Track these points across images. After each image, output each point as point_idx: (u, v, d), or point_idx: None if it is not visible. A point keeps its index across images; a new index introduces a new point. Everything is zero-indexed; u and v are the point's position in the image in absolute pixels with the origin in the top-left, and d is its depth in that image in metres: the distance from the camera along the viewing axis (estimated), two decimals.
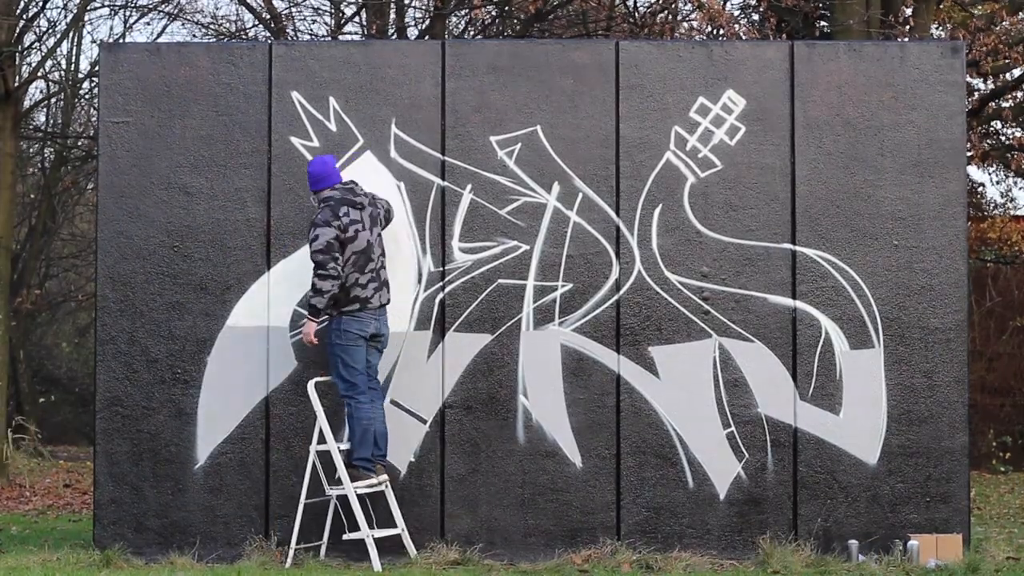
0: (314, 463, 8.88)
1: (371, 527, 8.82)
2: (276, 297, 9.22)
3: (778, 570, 8.64)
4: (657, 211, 9.24)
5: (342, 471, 8.75)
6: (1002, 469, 18.02)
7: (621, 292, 9.21)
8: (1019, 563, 8.97)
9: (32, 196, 23.35)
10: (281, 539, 9.03)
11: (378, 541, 8.88)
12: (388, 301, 8.94)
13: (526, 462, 9.13)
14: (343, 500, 8.90)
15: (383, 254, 8.96)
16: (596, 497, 9.14)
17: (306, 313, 8.84)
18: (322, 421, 8.81)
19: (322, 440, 8.85)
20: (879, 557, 8.94)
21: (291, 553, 8.79)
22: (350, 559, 8.91)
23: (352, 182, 8.94)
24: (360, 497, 8.80)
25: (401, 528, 8.92)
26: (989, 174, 20.43)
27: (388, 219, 9.08)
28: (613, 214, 9.24)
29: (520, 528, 9.11)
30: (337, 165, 9.01)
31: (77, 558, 8.92)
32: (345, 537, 8.85)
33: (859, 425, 9.15)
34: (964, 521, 9.14)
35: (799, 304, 9.21)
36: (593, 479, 9.14)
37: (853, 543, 9.00)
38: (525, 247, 9.23)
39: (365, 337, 8.83)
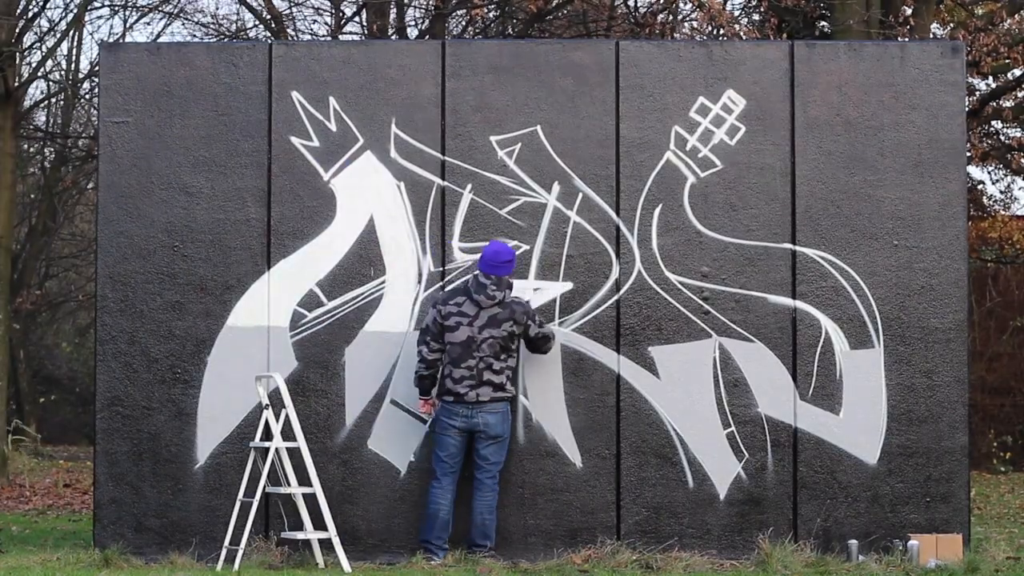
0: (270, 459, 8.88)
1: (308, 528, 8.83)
2: (276, 297, 9.22)
3: (778, 570, 8.64)
4: (657, 211, 9.24)
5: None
6: (1002, 469, 18.03)
7: (621, 292, 9.21)
8: (1019, 563, 8.97)
9: (32, 196, 23.36)
10: (281, 539, 9.02)
11: (376, 543, 8.89)
12: (489, 400, 8.82)
13: (526, 462, 9.13)
14: (283, 498, 8.98)
15: (494, 356, 8.81)
16: (596, 497, 9.14)
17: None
18: (270, 417, 8.81)
19: (288, 438, 8.86)
20: (879, 557, 8.94)
21: (238, 555, 8.78)
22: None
23: (494, 279, 8.82)
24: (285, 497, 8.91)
25: (333, 534, 8.85)
26: (988, 173, 20.44)
27: (518, 322, 8.84)
28: (613, 214, 9.24)
29: (520, 528, 9.11)
30: (499, 256, 8.88)
31: (77, 558, 8.92)
32: (284, 535, 8.92)
33: (859, 425, 9.15)
34: (964, 521, 9.14)
35: (799, 304, 9.20)
36: (593, 479, 9.14)
37: (853, 543, 9.00)
38: (525, 247, 9.22)
39: (455, 427, 8.83)
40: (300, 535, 8.84)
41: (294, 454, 8.88)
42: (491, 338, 8.80)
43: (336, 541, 8.77)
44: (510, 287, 8.91)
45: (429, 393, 8.94)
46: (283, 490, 8.87)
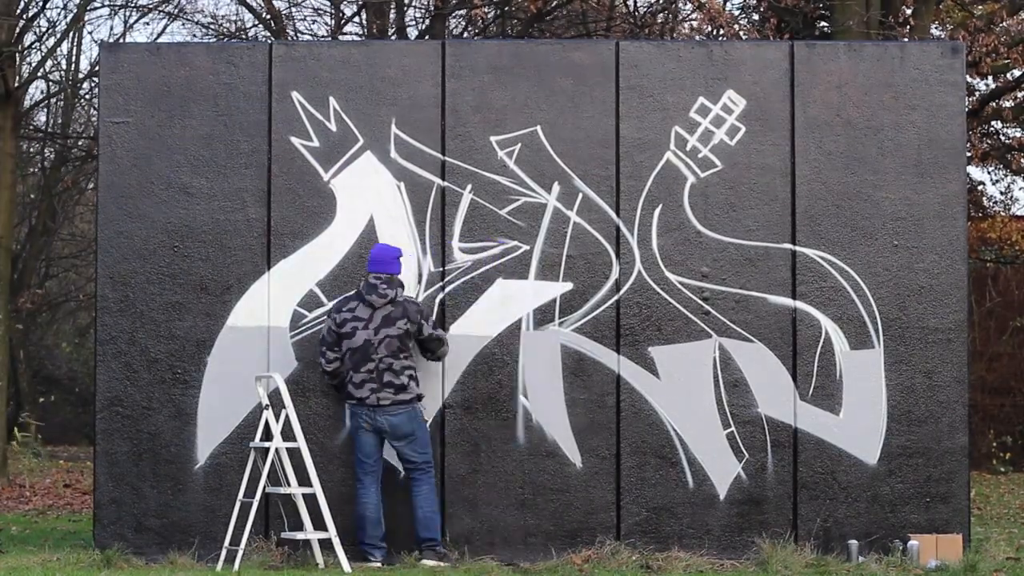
0: (264, 460, 8.88)
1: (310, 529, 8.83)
2: (276, 297, 9.22)
3: (778, 570, 8.63)
4: (657, 211, 9.24)
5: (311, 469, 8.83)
6: (1002, 469, 18.02)
7: (621, 292, 9.21)
8: (1019, 563, 8.97)
9: (32, 196, 23.36)
10: (281, 539, 9.03)
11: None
12: (390, 403, 8.83)
13: (526, 462, 9.13)
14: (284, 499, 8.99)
15: (392, 355, 8.81)
16: (596, 497, 9.13)
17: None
18: (270, 417, 8.82)
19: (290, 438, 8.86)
20: (879, 557, 8.94)
21: (238, 555, 8.78)
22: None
23: (385, 278, 8.85)
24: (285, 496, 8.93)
25: (333, 534, 8.86)
26: (989, 173, 20.44)
27: (412, 320, 8.84)
28: (613, 214, 9.24)
29: (520, 528, 9.11)
30: (382, 255, 8.93)
31: (77, 558, 8.92)
32: (284, 535, 8.92)
33: (859, 425, 9.15)
34: (964, 521, 9.14)
35: (799, 304, 9.20)
36: (593, 479, 9.14)
37: (853, 543, 9.00)
38: (525, 247, 9.22)
39: (365, 427, 8.87)
40: (300, 535, 8.84)
41: (294, 454, 8.89)
42: (387, 338, 8.82)
43: (336, 541, 8.77)
44: (401, 286, 8.95)
45: (342, 393, 9.02)
46: (283, 490, 8.87)
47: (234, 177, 9.29)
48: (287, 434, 8.84)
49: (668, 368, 9.17)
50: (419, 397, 8.92)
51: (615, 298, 9.20)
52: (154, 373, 9.22)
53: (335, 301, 9.03)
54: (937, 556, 8.84)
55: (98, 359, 9.28)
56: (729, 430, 9.15)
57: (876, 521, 9.12)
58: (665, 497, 9.12)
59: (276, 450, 8.80)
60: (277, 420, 8.81)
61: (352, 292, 9.00)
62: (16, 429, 15.84)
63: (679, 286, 9.21)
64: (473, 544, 9.04)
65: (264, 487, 8.80)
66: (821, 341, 9.19)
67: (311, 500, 8.85)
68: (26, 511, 13.17)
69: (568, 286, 9.22)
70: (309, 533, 8.83)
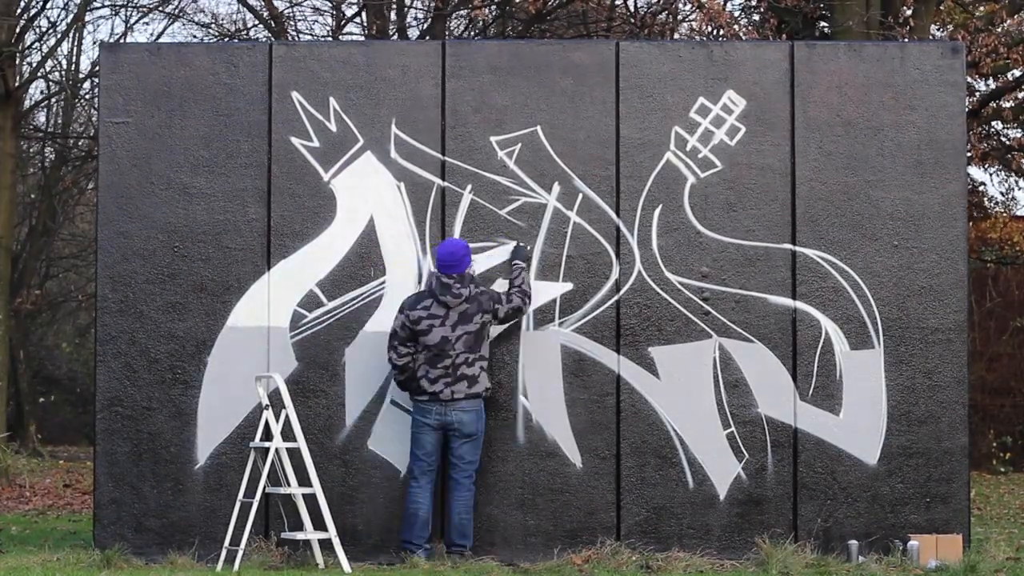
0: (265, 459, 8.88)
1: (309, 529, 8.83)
2: (276, 297, 9.22)
3: (778, 571, 8.63)
4: (657, 211, 9.24)
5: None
6: (1002, 469, 18.03)
7: (621, 292, 9.21)
8: (1019, 563, 8.97)
9: (32, 196, 23.37)
10: (281, 539, 9.03)
11: (376, 543, 8.89)
12: (464, 396, 8.83)
13: (526, 462, 9.13)
14: (284, 499, 8.99)
15: (469, 350, 8.83)
16: (596, 497, 9.13)
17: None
18: (270, 417, 8.81)
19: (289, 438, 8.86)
20: (879, 557, 8.94)
21: (238, 555, 8.78)
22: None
23: (456, 277, 8.83)
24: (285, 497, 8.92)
25: (333, 534, 8.86)
26: (989, 174, 20.45)
27: (487, 311, 8.86)
28: (613, 214, 9.24)
29: (520, 528, 9.11)
30: (456, 253, 8.89)
31: (77, 558, 8.92)
32: (284, 535, 8.92)
33: (859, 425, 9.15)
34: (964, 521, 9.14)
35: (799, 304, 9.20)
36: (593, 479, 9.14)
37: (853, 543, 9.00)
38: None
39: (429, 425, 8.85)
40: (300, 535, 8.84)
41: (294, 454, 8.89)
42: (465, 334, 8.82)
43: (336, 541, 8.77)
44: (473, 280, 8.93)
45: (412, 394, 8.97)
46: (283, 490, 8.87)
47: (234, 177, 9.29)
48: (287, 434, 8.84)
49: (668, 368, 9.17)
50: (488, 390, 8.92)
51: (615, 298, 9.20)
52: (154, 373, 9.22)
53: (406, 298, 8.96)
54: (937, 556, 8.84)
55: (98, 359, 9.28)
56: (729, 430, 9.15)
57: (876, 521, 9.12)
58: (665, 497, 9.12)
59: (276, 450, 8.80)
60: (277, 420, 8.81)
61: (423, 290, 8.97)
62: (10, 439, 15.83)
63: (679, 286, 9.21)
64: (473, 544, 9.03)
65: (264, 487, 8.80)
66: (821, 341, 9.18)
67: (311, 500, 8.85)
68: (26, 511, 13.17)
69: (568, 286, 9.22)
70: (309, 533, 8.83)
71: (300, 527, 8.90)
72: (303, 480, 8.86)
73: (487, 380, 8.91)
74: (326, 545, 8.83)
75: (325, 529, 8.80)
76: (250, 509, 8.75)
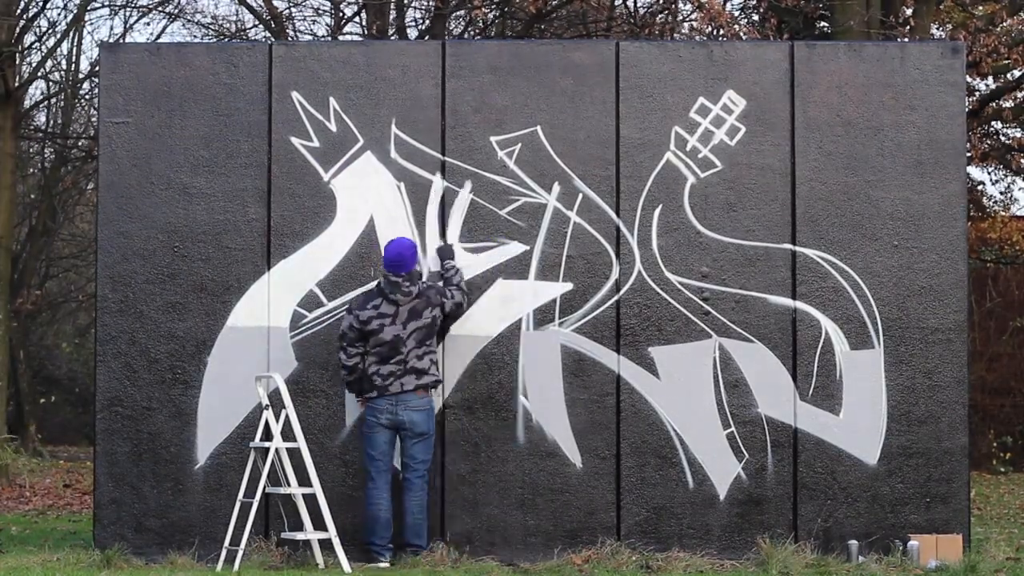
0: (258, 460, 8.88)
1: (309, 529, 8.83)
2: (276, 297, 9.22)
3: (778, 571, 8.63)
4: (657, 211, 9.24)
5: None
6: (1002, 469, 18.03)
7: (621, 292, 9.21)
8: (1019, 563, 8.97)
9: (32, 196, 23.36)
10: (281, 539, 9.03)
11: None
12: (413, 388, 8.85)
13: (526, 462, 9.13)
14: (284, 499, 9.00)
15: (419, 344, 8.86)
16: (596, 497, 9.13)
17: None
18: (270, 417, 8.81)
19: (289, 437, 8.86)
20: (879, 557, 8.94)
21: (238, 555, 8.79)
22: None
23: (405, 276, 8.84)
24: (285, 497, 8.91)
25: (333, 534, 8.87)
26: (988, 174, 20.45)
27: (435, 304, 8.91)
28: (613, 214, 9.24)
29: (520, 528, 9.11)
30: (403, 251, 8.89)
31: (77, 558, 8.92)
32: (284, 535, 8.92)
33: (859, 425, 9.15)
34: (964, 521, 9.14)
35: (799, 304, 9.20)
36: (593, 479, 9.14)
37: (853, 543, 9.00)
38: (525, 247, 9.23)
39: (381, 424, 8.86)
40: (300, 535, 8.84)
41: (294, 454, 8.89)
42: (416, 330, 8.86)
43: (336, 541, 8.77)
44: (420, 277, 8.98)
45: (362, 393, 8.98)
46: (283, 490, 8.87)
47: (234, 177, 9.29)
48: (287, 434, 8.84)
49: (668, 368, 9.17)
50: (438, 382, 8.95)
51: (615, 298, 9.20)
52: (154, 373, 9.22)
53: (354, 296, 9.00)
54: (937, 556, 8.84)
55: (98, 359, 9.28)
56: (729, 430, 9.15)
57: (876, 521, 9.12)
58: (665, 497, 9.12)
59: (276, 450, 8.80)
60: (277, 420, 8.81)
61: (371, 288, 8.98)
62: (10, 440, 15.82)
63: (679, 286, 9.21)
64: (473, 544, 9.04)
65: (264, 487, 8.80)
66: (821, 341, 9.18)
67: (311, 500, 8.85)
68: (26, 511, 13.18)
69: (568, 286, 9.22)
70: (309, 533, 8.83)
71: (300, 527, 8.90)
72: (303, 480, 8.86)
73: (436, 372, 8.94)
74: (326, 545, 8.83)
75: (325, 529, 8.80)
76: (250, 509, 8.75)
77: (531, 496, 9.13)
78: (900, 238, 9.23)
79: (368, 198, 9.26)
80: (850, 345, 9.19)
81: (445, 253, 9.13)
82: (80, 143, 21.95)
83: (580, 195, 9.24)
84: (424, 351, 8.88)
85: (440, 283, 9.03)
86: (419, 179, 9.26)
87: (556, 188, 9.25)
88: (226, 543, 8.76)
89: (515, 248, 9.22)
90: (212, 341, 9.22)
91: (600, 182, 9.24)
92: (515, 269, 9.20)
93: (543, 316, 9.18)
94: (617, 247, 9.23)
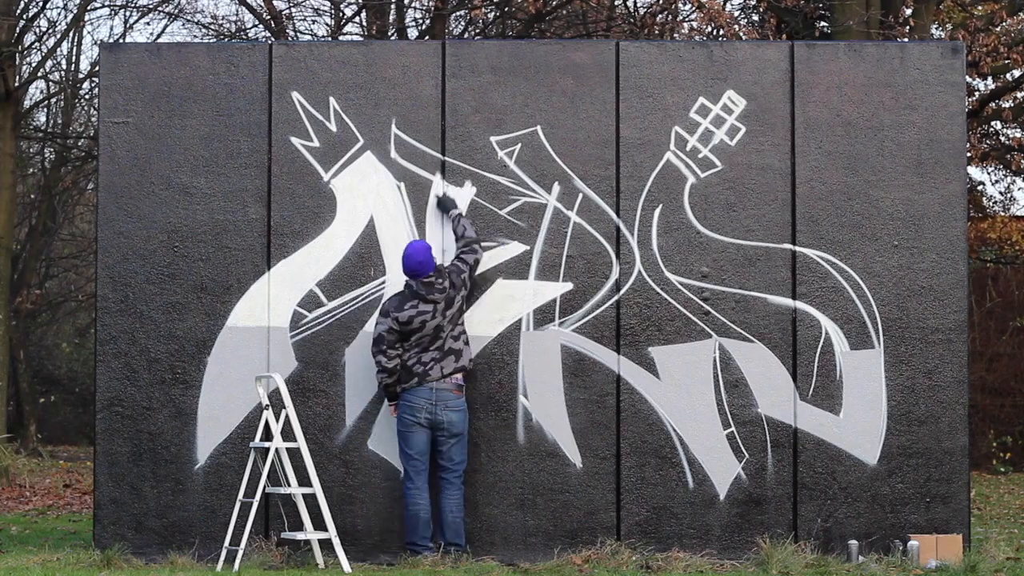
0: (262, 460, 8.89)
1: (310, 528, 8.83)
2: (276, 297, 9.22)
3: (778, 570, 8.63)
4: (657, 211, 9.24)
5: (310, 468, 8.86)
6: (1002, 469, 18.03)
7: (621, 292, 9.21)
8: (1019, 563, 8.97)
9: (32, 196, 23.36)
10: (281, 539, 9.03)
11: (376, 543, 8.90)
12: (452, 370, 8.89)
13: (526, 462, 9.13)
14: (284, 498, 9.00)
15: (452, 323, 8.91)
16: (596, 497, 9.13)
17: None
18: (270, 417, 8.82)
19: (289, 438, 8.86)
20: (879, 557, 8.94)
21: (238, 555, 8.81)
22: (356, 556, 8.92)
23: (432, 275, 8.88)
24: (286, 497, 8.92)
25: (333, 534, 8.87)
26: (988, 174, 20.45)
27: (458, 285, 8.94)
28: (613, 214, 9.24)
29: (520, 528, 9.11)
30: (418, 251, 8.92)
31: (77, 558, 8.92)
32: (284, 535, 8.93)
33: (859, 425, 9.15)
34: (964, 521, 9.14)
35: (799, 304, 9.20)
36: (593, 479, 9.14)
37: (853, 543, 9.00)
38: (525, 247, 9.23)
39: (419, 422, 8.86)
40: (300, 535, 8.84)
41: (294, 454, 8.89)
42: (452, 313, 8.91)
43: (336, 541, 8.77)
44: (443, 268, 8.99)
45: (396, 397, 8.99)
46: (283, 490, 8.87)
47: (234, 177, 9.29)
48: (287, 434, 8.84)
49: (668, 368, 9.17)
50: (472, 361, 9.00)
51: (615, 298, 9.20)
52: (154, 373, 9.22)
53: (387, 301, 8.98)
54: (937, 556, 8.84)
55: (98, 359, 9.28)
56: (729, 430, 9.15)
57: (876, 521, 9.12)
58: (665, 497, 9.12)
59: (276, 450, 8.80)
60: (277, 420, 8.81)
61: (403, 292, 8.95)
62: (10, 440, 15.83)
63: (679, 286, 9.21)
64: (473, 544, 9.04)
65: (264, 487, 8.80)
66: (821, 341, 9.19)
67: (311, 500, 8.85)
68: (26, 511, 13.17)
69: (568, 286, 9.22)
70: (309, 533, 8.83)
71: (300, 527, 8.90)
72: (303, 480, 8.86)
73: (470, 351, 8.99)
74: (326, 545, 8.83)
75: (325, 529, 8.80)
76: (250, 509, 8.75)
77: (531, 496, 9.13)
78: (900, 238, 9.23)
79: (368, 198, 9.26)
80: (850, 345, 9.19)
81: (447, 204, 9.15)
82: (80, 143, 21.96)
83: (580, 195, 9.24)
84: (458, 331, 8.95)
85: (452, 263, 9.01)
86: (419, 179, 9.26)
87: (556, 188, 9.25)
88: (226, 543, 8.76)
89: (515, 248, 9.22)
90: (212, 341, 9.22)
91: (600, 182, 9.24)
92: (515, 269, 9.20)
93: (543, 316, 9.18)
94: (617, 247, 9.23)
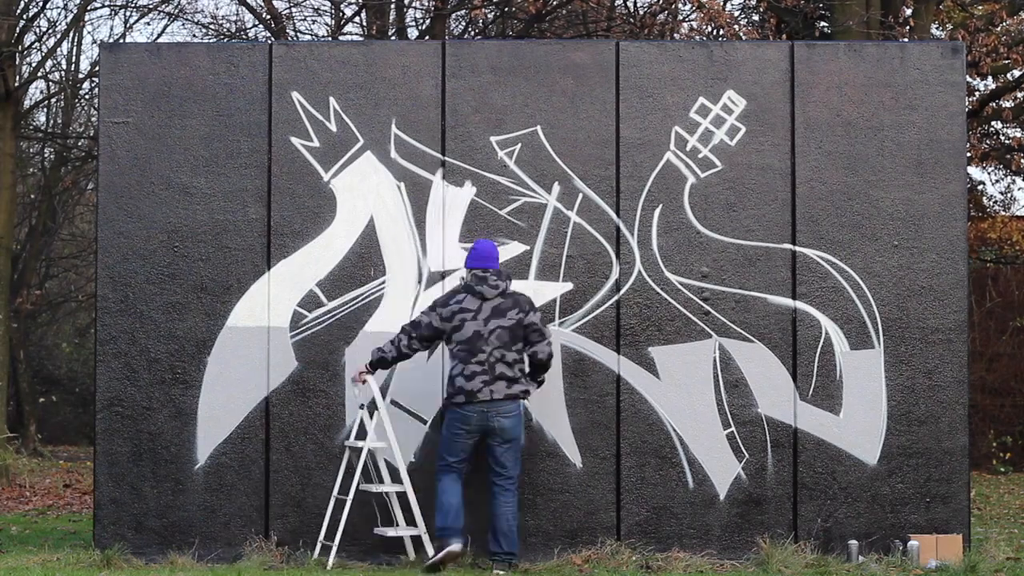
0: (350, 459, 8.96)
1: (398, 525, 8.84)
2: (276, 297, 9.22)
3: (778, 570, 8.64)
4: (657, 211, 9.24)
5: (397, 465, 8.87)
6: (1002, 469, 18.03)
7: (621, 292, 9.21)
8: (1019, 563, 8.97)
9: (32, 196, 23.36)
10: (281, 539, 9.03)
11: (376, 542, 8.91)
12: (503, 397, 8.61)
13: (526, 462, 9.12)
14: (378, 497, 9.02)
15: (503, 347, 8.63)
16: (596, 497, 9.14)
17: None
18: (384, 415, 8.89)
19: (361, 437, 8.92)
20: (879, 557, 8.95)
21: (332, 550, 8.82)
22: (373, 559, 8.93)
23: (493, 271, 8.74)
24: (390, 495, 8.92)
25: (422, 531, 8.91)
26: (988, 174, 20.45)
27: (523, 310, 8.70)
28: (613, 214, 9.24)
29: (520, 528, 9.09)
30: (486, 250, 8.80)
31: (77, 558, 8.92)
32: (376, 531, 8.94)
33: (859, 425, 9.15)
34: (964, 521, 9.14)
35: (799, 304, 9.21)
36: (593, 479, 9.14)
37: (853, 543, 9.00)
38: (525, 247, 9.23)
39: (465, 429, 8.65)
40: (391, 531, 8.88)
41: (380, 454, 8.96)
42: (498, 328, 8.65)
43: (425, 537, 8.82)
44: (509, 278, 8.84)
45: (375, 369, 8.88)
46: (374, 488, 8.88)
47: (234, 177, 9.29)
48: (374, 434, 8.92)
49: (668, 368, 9.17)
50: (527, 392, 8.73)
51: (615, 298, 9.20)
52: (154, 373, 9.22)
53: (440, 296, 8.91)
54: (937, 556, 8.84)
55: (98, 359, 9.28)
56: (729, 430, 9.15)
57: (876, 521, 9.12)
58: (665, 497, 9.12)
59: (368, 449, 8.86)
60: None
61: (459, 286, 8.88)
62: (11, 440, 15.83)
63: (679, 286, 9.21)
64: (473, 544, 9.03)
65: (357, 485, 8.86)
66: (821, 341, 9.19)
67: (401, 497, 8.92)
68: (26, 511, 13.17)
69: (568, 286, 9.22)
70: (401, 529, 8.89)
71: (388, 524, 8.92)
72: (396, 479, 8.91)
73: (526, 382, 8.74)
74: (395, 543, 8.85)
75: (415, 525, 8.87)
76: (344, 506, 8.81)
77: (531, 496, 9.13)
78: (900, 238, 9.23)
79: (368, 198, 9.26)
80: (850, 345, 9.19)
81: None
82: (80, 143, 21.95)
83: (580, 195, 9.24)
84: (512, 357, 8.65)
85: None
86: (419, 179, 9.26)
87: (556, 188, 9.25)
88: (321, 537, 8.84)
89: (515, 248, 9.22)
90: (212, 341, 9.22)
91: (600, 182, 9.24)
92: (515, 269, 9.20)
93: (543, 316, 9.17)
94: (617, 247, 9.23)
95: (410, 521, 8.92)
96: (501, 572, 8.58)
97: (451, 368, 8.74)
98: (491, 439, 8.67)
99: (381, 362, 8.85)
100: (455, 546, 8.57)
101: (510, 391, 8.63)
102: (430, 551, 8.76)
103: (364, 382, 8.87)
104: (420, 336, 8.76)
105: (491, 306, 8.71)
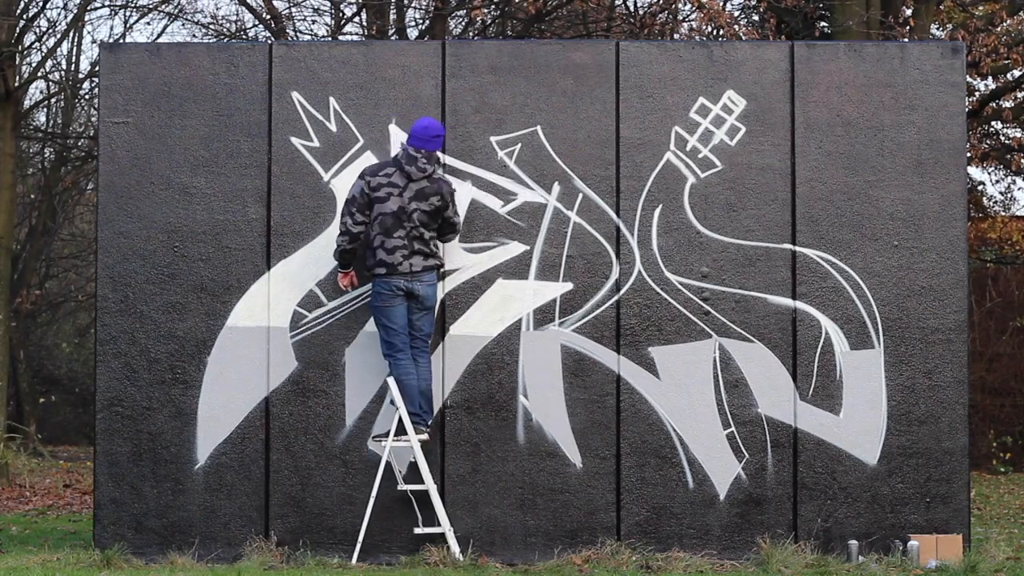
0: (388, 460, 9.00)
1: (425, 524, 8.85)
2: (276, 297, 9.22)
3: (778, 570, 8.64)
4: (657, 211, 9.24)
5: (413, 440, 8.92)
6: (1002, 469, 18.04)
7: (621, 292, 9.21)
8: (1019, 563, 8.97)
9: (32, 196, 23.36)
10: (281, 539, 9.03)
11: (376, 543, 8.90)
12: (421, 269, 8.91)
13: (526, 462, 9.13)
14: (417, 495, 9.01)
15: (423, 226, 8.91)
16: (596, 497, 9.14)
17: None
18: (403, 414, 8.88)
19: (401, 433, 8.92)
20: (879, 557, 8.94)
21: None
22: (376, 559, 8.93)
23: (425, 153, 8.92)
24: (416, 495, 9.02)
25: (447, 528, 8.94)
26: (988, 173, 20.45)
27: (444, 198, 8.95)
28: (613, 214, 9.24)
29: (520, 528, 9.11)
30: (427, 134, 8.95)
31: (77, 558, 8.92)
32: (417, 531, 8.94)
33: (859, 425, 9.15)
34: (964, 521, 9.14)
35: (799, 304, 9.21)
36: (593, 479, 9.14)
37: (853, 543, 9.00)
38: (525, 247, 9.23)
39: (400, 295, 8.90)
40: (434, 530, 8.89)
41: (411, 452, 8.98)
42: (419, 211, 8.90)
43: (450, 535, 8.86)
44: (439, 163, 9.04)
45: (350, 266, 9.04)
46: (401, 487, 8.93)
47: (234, 177, 9.29)
48: (400, 432, 8.95)
49: (668, 368, 9.17)
50: (441, 266, 9.06)
51: (615, 298, 9.20)
52: (154, 373, 9.22)
53: (368, 165, 9.03)
54: (937, 556, 8.84)
55: (98, 359, 9.28)
56: (729, 430, 9.15)
57: (876, 521, 9.12)
58: (665, 497, 9.12)
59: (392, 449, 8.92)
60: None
61: (387, 160, 9.04)
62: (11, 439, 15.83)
63: (679, 286, 9.21)
64: (473, 544, 9.04)
65: (402, 483, 8.96)
66: (821, 341, 9.19)
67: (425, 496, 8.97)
68: (26, 511, 13.17)
69: (568, 286, 9.22)
70: (445, 528, 8.87)
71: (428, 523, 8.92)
72: (417, 478, 8.96)
73: (441, 255, 9.03)
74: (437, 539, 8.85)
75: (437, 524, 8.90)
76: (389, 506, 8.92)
77: (531, 496, 9.13)
78: (900, 238, 9.23)
79: None
80: (850, 345, 9.19)
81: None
82: (80, 143, 21.95)
83: (580, 195, 9.24)
84: (429, 235, 8.95)
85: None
86: None
87: (556, 188, 9.25)
88: (361, 535, 8.84)
89: (515, 248, 9.22)
90: (212, 341, 9.22)
91: (600, 182, 9.25)
92: (515, 269, 9.20)
93: (543, 316, 9.18)
94: (617, 247, 9.23)
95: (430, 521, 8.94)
96: (424, 437, 8.93)
97: (372, 238, 8.91)
98: (412, 304, 8.94)
99: (344, 253, 8.99)
100: (424, 435, 8.93)
101: (427, 263, 8.95)
102: (455, 549, 8.82)
103: (350, 284, 9.08)
104: (359, 207, 8.91)
105: (416, 187, 8.92)
